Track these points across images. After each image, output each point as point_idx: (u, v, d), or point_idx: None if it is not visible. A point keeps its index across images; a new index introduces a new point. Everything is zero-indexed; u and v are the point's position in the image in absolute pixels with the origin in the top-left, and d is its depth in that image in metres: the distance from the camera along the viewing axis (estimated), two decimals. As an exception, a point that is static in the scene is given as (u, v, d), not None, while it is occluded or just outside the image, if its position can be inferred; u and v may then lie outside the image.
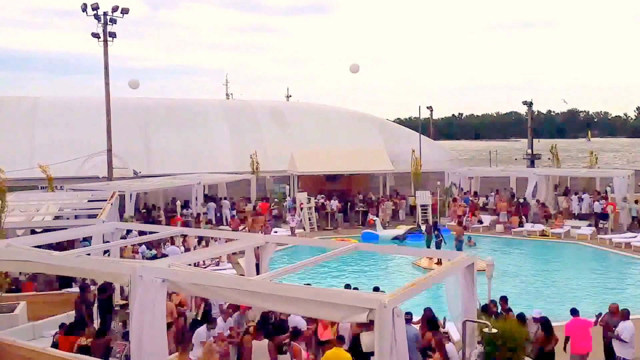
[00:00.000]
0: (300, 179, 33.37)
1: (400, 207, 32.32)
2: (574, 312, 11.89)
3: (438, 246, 22.53)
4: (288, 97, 70.18)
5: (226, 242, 15.00)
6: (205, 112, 42.63)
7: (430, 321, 11.12)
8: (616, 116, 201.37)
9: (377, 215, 29.49)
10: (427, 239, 23.79)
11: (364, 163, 33.59)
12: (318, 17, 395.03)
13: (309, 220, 29.34)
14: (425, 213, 30.05)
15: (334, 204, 31.30)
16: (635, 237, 24.41)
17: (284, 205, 30.62)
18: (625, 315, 11.59)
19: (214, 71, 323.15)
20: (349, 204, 31.89)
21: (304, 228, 28.80)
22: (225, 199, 31.38)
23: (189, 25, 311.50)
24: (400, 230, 27.14)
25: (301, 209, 29.34)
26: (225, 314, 11.39)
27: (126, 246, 16.82)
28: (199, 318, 12.13)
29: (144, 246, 18.73)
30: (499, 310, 12.33)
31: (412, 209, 31.83)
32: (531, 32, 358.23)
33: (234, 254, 19.21)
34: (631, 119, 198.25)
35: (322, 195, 32.06)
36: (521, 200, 30.26)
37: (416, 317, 11.56)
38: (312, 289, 7.91)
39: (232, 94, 71.51)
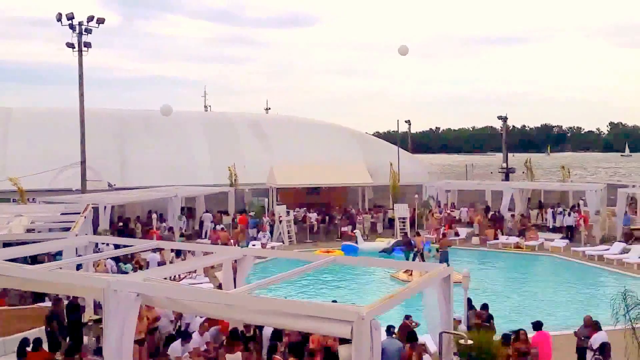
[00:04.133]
0: (280, 192, 33.31)
1: (378, 220, 32.46)
2: (538, 326, 12.01)
3: (415, 257, 22.73)
4: (267, 109, 70.31)
5: (204, 255, 14.85)
6: (183, 123, 42.39)
7: (409, 333, 11.15)
8: (589, 131, 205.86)
9: (354, 228, 29.57)
10: (406, 252, 23.93)
11: (343, 176, 33.71)
12: (298, 29, 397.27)
13: (288, 233, 29.25)
14: (404, 226, 30.21)
15: (314, 216, 31.30)
16: (607, 249, 24.85)
17: (258, 221, 30.23)
18: (597, 326, 11.79)
19: (192, 83, 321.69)
20: (327, 217, 31.93)
21: (282, 241, 28.69)
22: (207, 212, 31.17)
23: (166, 36, 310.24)
24: (383, 243, 27.24)
25: (280, 221, 29.25)
26: (202, 328, 11.26)
27: (100, 260, 16.52)
28: (174, 333, 11.97)
29: (111, 261, 18.25)
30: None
31: (391, 221, 31.97)
32: (507, 48, 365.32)
33: (211, 267, 19.04)
34: (604, 134, 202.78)
35: (304, 209, 32.08)
36: (496, 214, 30.65)
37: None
38: (289, 302, 7.88)
39: (210, 106, 71.35)
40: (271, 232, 29.50)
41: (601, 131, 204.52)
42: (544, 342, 11.72)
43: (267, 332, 11.08)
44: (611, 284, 20.34)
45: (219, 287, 13.31)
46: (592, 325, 11.93)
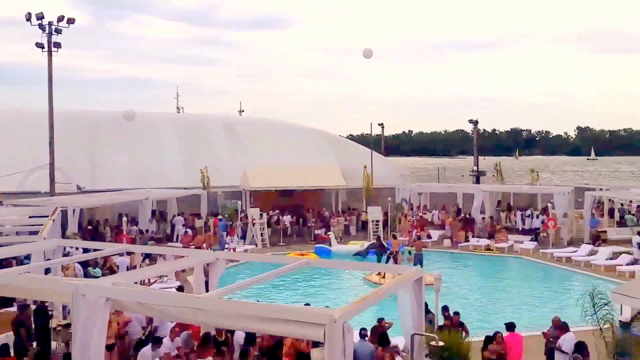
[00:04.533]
0: (253, 195, 33.19)
1: (351, 222, 32.57)
2: (511, 327, 12.23)
3: (388, 260, 22.89)
4: (241, 111, 69.89)
5: (175, 259, 14.70)
6: (155, 125, 41.92)
7: (381, 335, 11.21)
8: (557, 135, 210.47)
9: (328, 231, 29.64)
10: (379, 254, 24.08)
11: (317, 179, 33.74)
12: (272, 32, 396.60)
13: (261, 236, 29.15)
14: (377, 228, 30.37)
15: (287, 219, 31.25)
16: (575, 251, 25.38)
17: (229, 224, 29.99)
18: (565, 327, 12.02)
19: (165, 84, 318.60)
20: (301, 219, 31.93)
21: (255, 244, 28.58)
22: (179, 214, 30.85)
23: (138, 37, 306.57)
24: (356, 245, 27.33)
25: (253, 224, 29.13)
26: (173, 333, 11.14)
27: (68, 264, 16.21)
28: (144, 338, 11.81)
29: (78, 265, 17.90)
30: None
31: (364, 224, 32.11)
32: (478, 53, 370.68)
33: (183, 271, 18.85)
34: (571, 138, 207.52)
35: (276, 211, 32.00)
36: (467, 216, 31.06)
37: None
38: (261, 305, 7.85)
39: (182, 108, 70.55)
40: (244, 235, 29.37)
41: (569, 135, 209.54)
42: (516, 344, 11.91)
43: (239, 336, 11.01)
44: (579, 285, 20.78)
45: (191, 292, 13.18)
46: (561, 326, 12.16)
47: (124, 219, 27.23)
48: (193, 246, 25.18)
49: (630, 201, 32.33)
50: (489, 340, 11.55)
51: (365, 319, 12.28)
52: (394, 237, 25.51)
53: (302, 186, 33.69)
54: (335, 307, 7.79)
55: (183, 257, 12.95)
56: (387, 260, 22.97)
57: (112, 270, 18.46)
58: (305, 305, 12.87)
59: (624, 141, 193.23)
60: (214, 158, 38.41)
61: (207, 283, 11.39)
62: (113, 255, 19.03)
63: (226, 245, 26.30)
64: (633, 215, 31.48)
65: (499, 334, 11.67)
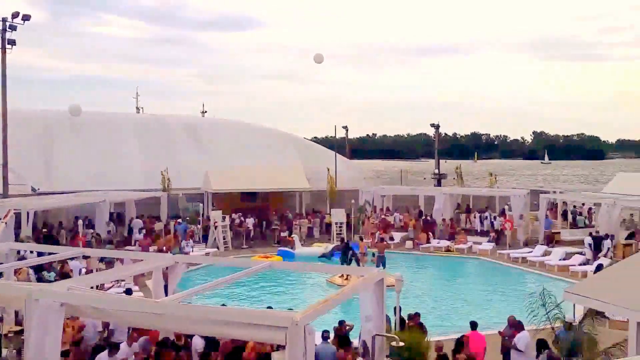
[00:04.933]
0: (215, 197, 32.84)
1: (315, 225, 32.62)
2: (474, 325, 12.48)
3: (350, 262, 22.96)
4: (203, 112, 69.01)
5: (133, 262, 14.40)
6: (114, 125, 41.02)
7: (342, 337, 11.26)
8: (515, 139, 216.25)
9: (292, 234, 29.60)
10: (343, 256, 24.13)
11: (281, 181, 33.60)
12: (237, 33, 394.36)
13: (223, 239, 28.88)
14: (341, 230, 30.51)
15: (250, 222, 31.08)
16: (530, 252, 26.05)
17: (186, 228, 29.56)
18: (520, 326, 12.33)
19: (125, 83, 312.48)
20: (264, 222, 31.78)
21: (217, 248, 28.30)
22: (138, 217, 30.26)
23: (98, 35, 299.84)
24: (320, 248, 27.36)
25: (215, 227, 28.84)
26: (130, 338, 10.92)
27: (21, 268, 15.70)
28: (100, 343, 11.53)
29: (30, 269, 17.33)
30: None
31: (328, 226, 32.19)
32: (439, 58, 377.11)
33: (141, 275, 18.46)
34: (528, 142, 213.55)
35: (239, 214, 31.75)
36: (428, 218, 31.52)
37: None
38: (221, 309, 7.78)
39: (142, 108, 69.12)
40: (206, 238, 29.04)
41: (525, 140, 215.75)
42: (478, 342, 12.14)
43: (197, 341, 10.85)
44: (534, 285, 21.31)
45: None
46: (516, 325, 12.46)
47: (80, 221, 26.55)
48: (153, 249, 24.73)
49: (583, 203, 33.42)
50: (459, 344, 11.69)
51: (333, 320, 12.35)
52: (361, 239, 25.68)
53: (265, 188, 33.51)
54: (298, 309, 7.78)
55: (141, 260, 12.71)
56: (350, 262, 23.06)
57: (67, 275, 17.96)
58: (267, 308, 12.81)
59: (577, 146, 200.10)
60: (175, 159, 37.84)
61: (166, 287, 11.22)
62: (69, 259, 18.53)
63: (183, 249, 25.89)
64: (585, 217, 32.55)
65: (465, 336, 11.85)
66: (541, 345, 11.42)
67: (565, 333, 11.24)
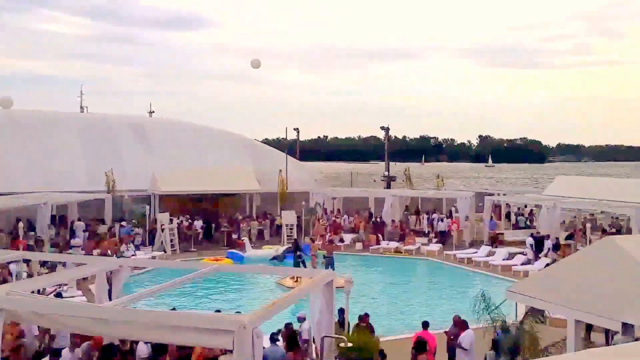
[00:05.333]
0: (163, 199, 32.22)
1: (265, 227, 32.48)
2: (425, 325, 12.75)
3: (300, 264, 23.01)
4: (151, 112, 67.46)
5: (76, 266, 13.98)
6: (56, 125, 39.52)
7: (290, 339, 11.28)
8: (461, 143, 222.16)
9: (240, 236, 29.40)
10: (296, 258, 24.14)
11: (231, 183, 33.29)
12: (187, 33, 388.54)
13: (171, 242, 28.38)
14: (292, 233, 30.51)
15: (199, 224, 30.63)
16: (475, 252, 26.80)
17: (130, 231, 28.90)
18: (465, 325, 12.67)
19: (68, 81, 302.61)
20: (213, 224, 31.41)
21: (164, 250, 27.78)
22: (79, 220, 29.31)
23: (41, 32, 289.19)
24: (271, 250, 27.27)
25: (162, 230, 28.29)
26: (73, 344, 10.59)
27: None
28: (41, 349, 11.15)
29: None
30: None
31: (278, 228, 32.11)
32: (389, 62, 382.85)
33: (84, 279, 17.93)
34: (474, 145, 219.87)
35: (187, 216, 31.26)
36: (378, 220, 31.95)
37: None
38: (166, 313, 7.66)
39: (87, 107, 66.96)
40: (152, 241, 28.47)
41: (471, 143, 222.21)
42: (430, 342, 12.36)
43: (142, 347, 10.63)
44: (478, 285, 21.91)
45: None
46: (461, 324, 12.80)
47: (20, 224, 25.53)
48: (97, 253, 24.02)
49: (525, 205, 34.64)
50: (420, 346, 11.87)
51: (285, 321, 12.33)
52: (312, 240, 25.76)
53: (215, 190, 33.12)
54: (247, 313, 7.75)
55: (85, 264, 12.37)
56: (298, 264, 23.09)
57: (6, 280, 17.25)
58: (216, 312, 12.70)
59: (520, 149, 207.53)
60: (121, 160, 36.90)
61: (110, 292, 10.96)
62: (8, 263, 17.80)
63: (123, 254, 25.23)
64: (526, 218, 33.77)
65: (421, 338, 12.07)
66: (497, 344, 11.76)
67: (503, 335, 11.53)
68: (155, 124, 46.71)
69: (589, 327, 12.65)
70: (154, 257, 25.40)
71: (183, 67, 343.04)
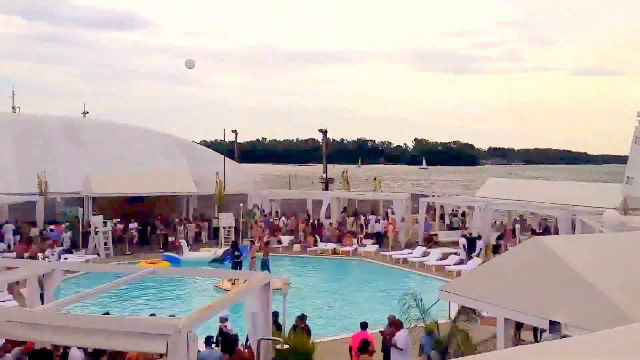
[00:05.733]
0: (97, 201, 31.30)
1: (203, 229, 32.14)
2: (363, 326, 13.03)
3: (237, 266, 22.93)
4: (85, 113, 65.13)
5: (6, 270, 13.43)
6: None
7: (227, 342, 11.28)
8: (398, 146, 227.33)
9: (177, 239, 29.00)
10: (233, 261, 24.04)
11: (167, 185, 32.77)
12: (123, 33, 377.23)
13: (105, 245, 27.62)
14: (229, 235, 30.32)
15: (134, 227, 29.94)
16: (410, 253, 27.52)
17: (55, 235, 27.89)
18: (400, 324, 13.03)
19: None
20: (149, 227, 30.79)
21: (98, 254, 27.01)
22: (7, 222, 28.03)
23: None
24: (209, 252, 27.01)
25: (96, 232, 27.49)
26: (3, 349, 10.20)
27: None
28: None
29: None
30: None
31: (216, 230, 31.84)
32: (328, 65, 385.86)
33: (16, 283, 17.21)
34: (410, 148, 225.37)
35: (118, 219, 30.49)
36: (316, 221, 32.25)
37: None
38: (98, 318, 7.55)
39: (19, 107, 63.92)
40: (86, 244, 27.62)
41: (407, 146, 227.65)
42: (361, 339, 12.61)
43: (75, 353, 10.37)
44: (413, 285, 22.54)
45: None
46: (396, 324, 13.14)
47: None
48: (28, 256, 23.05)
49: (458, 207, 35.87)
50: (364, 346, 12.07)
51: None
52: (252, 242, 25.72)
53: (151, 192, 32.52)
54: (184, 316, 7.73)
55: (16, 268, 11.93)
56: (236, 267, 23.02)
57: None
58: (151, 315, 12.53)
59: (453, 152, 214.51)
60: (53, 162, 35.51)
61: (42, 296, 10.64)
62: None
63: (47, 259, 24.30)
64: (459, 219, 35.00)
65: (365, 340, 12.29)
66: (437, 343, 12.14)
67: (426, 339, 11.91)
68: (89, 125, 45.22)
69: (520, 326, 13.18)
70: (87, 261, 24.76)
71: (118, 67, 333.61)
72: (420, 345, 11.88)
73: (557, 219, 27.01)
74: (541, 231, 28.88)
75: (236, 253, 23.45)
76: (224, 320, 12.54)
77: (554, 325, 8.84)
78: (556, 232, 26.39)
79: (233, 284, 19.99)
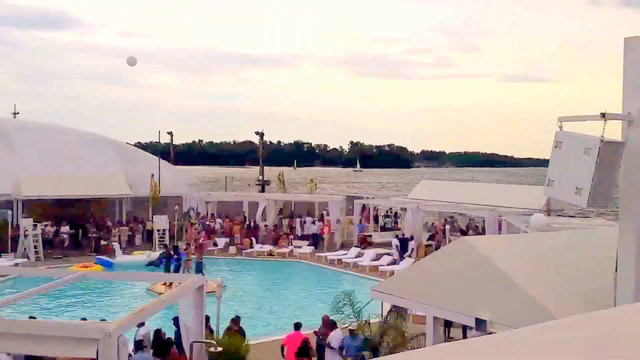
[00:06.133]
0: (27, 205, 30.03)
1: (137, 231, 31.40)
2: (297, 326, 13.16)
3: (177, 270, 22.60)
4: (15, 114, 61.89)
5: None
6: None
7: (160, 345, 11.13)
8: (333, 148, 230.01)
9: (111, 242, 28.25)
10: (167, 264, 23.65)
11: (100, 187, 32.04)
12: (56, 32, 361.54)
13: (35, 248, 26.55)
14: (163, 238, 29.75)
15: (66, 230, 28.94)
16: (345, 254, 27.94)
17: None
18: (333, 325, 13.26)
19: None
20: (81, 230, 29.83)
21: (28, 257, 25.94)
22: None
23: None
24: (142, 255, 26.45)
25: (25, 236, 26.40)
26: None
27: None
28: None
29: None
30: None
31: (150, 233, 31.18)
32: (264, 69, 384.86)
33: None
34: (345, 151, 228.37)
35: (49, 222, 29.31)
36: (252, 223, 32.17)
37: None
38: (27, 322, 7.35)
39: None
40: (16, 248, 26.47)
41: (343, 149, 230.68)
42: (296, 341, 12.74)
43: (2, 359, 9.94)
44: (348, 285, 22.92)
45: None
46: (329, 324, 13.37)
47: None
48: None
49: (390, 208, 36.73)
50: (304, 351, 12.11)
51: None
52: (189, 245, 25.38)
53: (82, 195, 31.61)
54: (114, 320, 7.59)
55: None
56: (169, 270, 22.69)
57: None
58: (82, 320, 12.19)
59: (387, 155, 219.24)
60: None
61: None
62: None
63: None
64: (392, 219, 35.87)
65: (306, 344, 12.37)
66: (366, 342, 12.37)
67: (350, 340, 12.15)
68: (19, 126, 43.13)
69: (449, 324, 13.66)
70: (16, 265, 24.01)
71: (50, 67, 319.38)
72: (340, 347, 12.05)
73: (484, 220, 28.12)
74: (470, 232, 29.91)
75: (176, 256, 23.12)
76: (140, 324, 12.20)
77: (479, 323, 9.17)
78: (484, 233, 27.44)
79: (168, 286, 19.64)
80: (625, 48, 7.85)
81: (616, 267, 8.00)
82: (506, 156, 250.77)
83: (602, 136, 7.48)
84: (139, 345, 10.64)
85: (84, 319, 12.34)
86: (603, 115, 7.59)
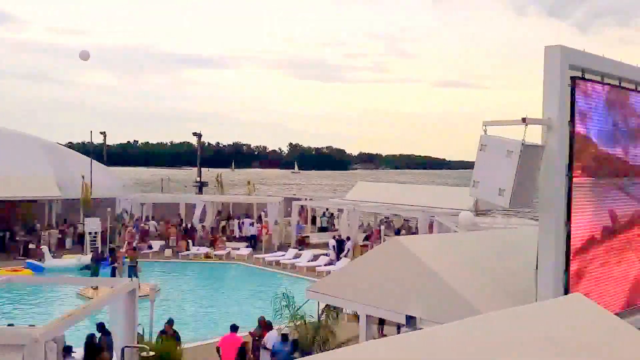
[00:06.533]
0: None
1: (68, 234, 30.29)
2: (233, 328, 13.11)
3: (113, 273, 21.98)
4: (-63, 112, 58.04)
5: None
6: None
7: (90, 350, 10.84)
8: (273, 150, 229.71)
9: (40, 245, 27.09)
10: (94, 268, 22.94)
11: (28, 189, 30.74)
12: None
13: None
14: (95, 240, 28.80)
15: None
16: (283, 255, 28.02)
17: None
18: (269, 326, 13.32)
19: None
20: (8, 233, 28.47)
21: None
22: None
23: None
24: (73, 259, 25.62)
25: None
26: None
27: None
28: None
29: None
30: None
31: (81, 236, 30.10)
32: (202, 70, 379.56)
33: None
34: (284, 153, 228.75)
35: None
36: (188, 226, 31.65)
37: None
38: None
39: None
40: None
41: (282, 151, 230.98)
42: (234, 343, 12.69)
43: None
44: (285, 286, 22.94)
45: None
46: (266, 325, 13.42)
47: None
48: None
49: (327, 209, 37.13)
50: (241, 356, 12.00)
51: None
52: (119, 248, 24.73)
53: (9, 197, 30.15)
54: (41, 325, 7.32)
55: None
56: (113, 273, 22.10)
57: None
58: (8, 325, 11.72)
59: (326, 157, 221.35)
60: None
61: None
62: None
63: None
64: (328, 219, 36.27)
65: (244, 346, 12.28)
66: (295, 342, 12.47)
67: (280, 345, 12.26)
68: (-60, 125, 40.58)
69: (383, 322, 14.00)
70: None
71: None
72: (272, 353, 12.12)
73: (417, 220, 28.96)
74: (404, 232, 30.69)
75: (111, 260, 22.54)
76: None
77: (410, 320, 9.48)
78: (417, 233, 28.26)
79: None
80: (546, 56, 8.37)
81: (537, 265, 8.49)
82: (439, 158, 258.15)
83: (523, 140, 7.92)
84: (67, 351, 10.33)
85: (11, 324, 11.83)
86: (524, 120, 8.06)
